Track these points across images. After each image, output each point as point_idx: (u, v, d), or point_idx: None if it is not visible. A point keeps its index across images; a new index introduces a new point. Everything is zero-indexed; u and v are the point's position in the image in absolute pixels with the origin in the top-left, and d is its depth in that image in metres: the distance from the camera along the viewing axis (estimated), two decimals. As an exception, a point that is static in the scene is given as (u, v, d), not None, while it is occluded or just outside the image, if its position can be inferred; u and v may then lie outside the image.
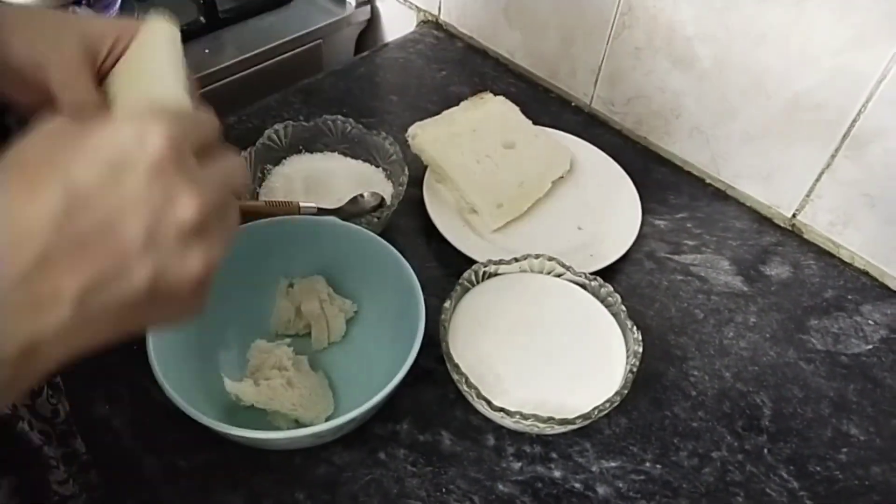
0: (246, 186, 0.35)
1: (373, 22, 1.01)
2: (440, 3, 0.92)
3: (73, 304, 0.26)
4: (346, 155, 0.70)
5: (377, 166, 0.69)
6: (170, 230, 0.27)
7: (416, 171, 0.70)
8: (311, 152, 0.69)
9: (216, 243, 0.29)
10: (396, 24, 0.99)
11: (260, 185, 0.66)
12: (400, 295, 0.53)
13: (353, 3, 0.96)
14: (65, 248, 0.26)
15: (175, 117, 0.28)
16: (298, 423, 0.50)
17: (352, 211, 0.62)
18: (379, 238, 0.55)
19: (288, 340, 0.55)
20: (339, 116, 0.69)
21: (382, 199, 0.64)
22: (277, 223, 0.56)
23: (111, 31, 0.42)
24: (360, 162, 0.70)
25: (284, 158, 0.68)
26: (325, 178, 0.67)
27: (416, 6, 0.96)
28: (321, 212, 0.60)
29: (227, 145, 0.32)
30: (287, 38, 0.90)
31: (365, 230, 0.56)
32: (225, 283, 0.52)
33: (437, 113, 0.73)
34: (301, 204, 0.59)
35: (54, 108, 0.42)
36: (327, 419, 0.50)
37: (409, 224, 0.67)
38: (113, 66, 0.42)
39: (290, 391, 0.50)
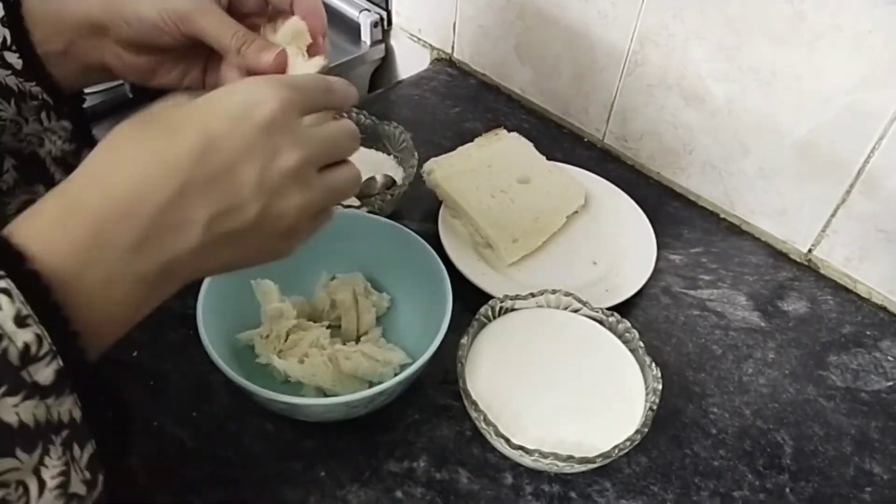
0: (354, 148, 0.40)
1: (387, 60, 1.03)
2: (453, 41, 0.94)
3: (203, 229, 0.32)
4: (360, 144, 0.73)
5: (389, 154, 0.75)
6: (275, 175, 0.34)
7: (431, 206, 0.70)
8: None
9: (312, 191, 0.36)
10: (410, 61, 1.01)
11: None
12: (431, 288, 0.55)
13: (368, 42, 0.98)
14: (199, 183, 0.32)
15: (289, 86, 0.35)
16: None
17: (366, 191, 0.68)
18: (415, 235, 0.58)
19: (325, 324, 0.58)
20: (354, 109, 0.74)
21: (394, 180, 0.69)
22: None
23: None
24: (373, 150, 0.75)
25: None
26: None
27: (430, 44, 0.98)
28: None
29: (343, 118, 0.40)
30: (303, 76, 0.91)
31: (404, 229, 0.58)
32: (270, 268, 0.54)
33: (452, 149, 0.74)
34: None
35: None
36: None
37: (424, 259, 0.68)
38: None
39: (330, 368, 0.53)
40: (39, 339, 0.28)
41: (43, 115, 0.47)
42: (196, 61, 0.49)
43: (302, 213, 0.35)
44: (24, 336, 0.27)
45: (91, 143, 0.51)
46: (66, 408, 0.29)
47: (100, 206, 0.31)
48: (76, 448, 0.29)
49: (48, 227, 0.30)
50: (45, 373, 0.28)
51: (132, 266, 0.31)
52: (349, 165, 0.39)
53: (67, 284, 0.30)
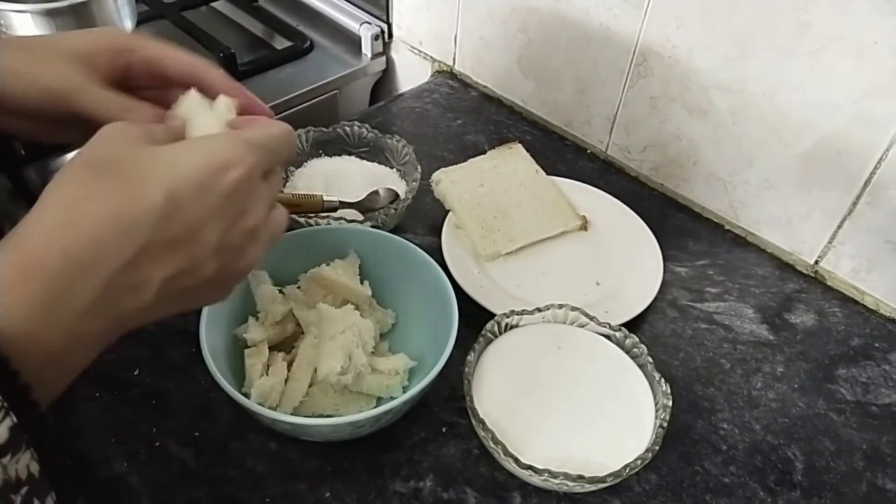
0: (293, 153, 0.42)
1: (388, 72, 1.02)
2: (455, 53, 0.94)
3: (158, 289, 0.32)
4: (362, 157, 0.75)
5: (391, 167, 0.74)
6: (236, 236, 0.35)
7: (434, 220, 0.70)
8: (330, 156, 0.74)
9: (265, 244, 0.37)
10: (411, 74, 1.00)
11: (284, 185, 0.70)
12: (436, 303, 0.55)
13: (369, 55, 0.98)
14: (159, 245, 0.32)
15: (253, 148, 0.35)
16: None
17: (369, 205, 0.67)
18: (419, 249, 0.57)
19: None
20: (356, 122, 0.74)
21: (397, 194, 0.68)
22: (330, 231, 0.60)
23: (103, 48, 0.44)
24: (375, 164, 0.74)
25: (305, 161, 0.73)
26: (343, 177, 0.72)
27: (431, 56, 0.97)
28: (342, 205, 0.65)
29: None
30: (304, 90, 0.91)
31: (408, 243, 0.58)
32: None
33: (454, 161, 0.74)
34: (324, 197, 0.64)
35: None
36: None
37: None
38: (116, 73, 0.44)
39: (330, 394, 0.52)
40: None
41: None
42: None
43: (251, 267, 0.37)
44: None
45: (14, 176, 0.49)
46: (24, 464, 0.28)
47: (58, 267, 0.29)
48: (36, 503, 0.29)
49: (3, 286, 0.29)
50: None
51: (88, 326, 0.31)
52: (279, 209, 0.40)
53: (18, 340, 0.29)
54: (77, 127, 0.42)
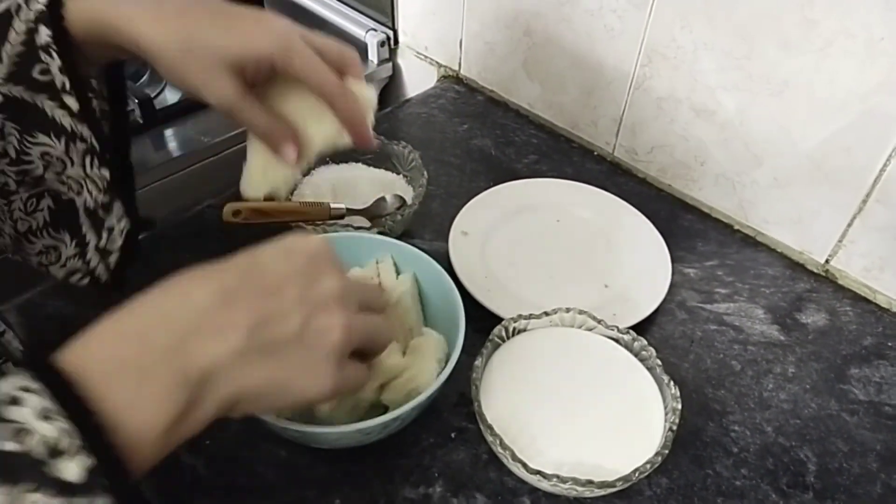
0: (383, 308, 0.45)
1: (394, 78, 1.03)
2: (460, 58, 0.94)
3: (246, 333, 0.33)
4: (369, 164, 0.75)
5: (398, 173, 0.74)
6: (317, 295, 0.37)
7: (441, 226, 0.70)
8: (337, 163, 0.74)
9: (353, 315, 0.38)
10: (417, 79, 1.01)
11: (291, 194, 0.71)
12: (443, 308, 0.55)
13: (375, 61, 0.98)
14: (243, 294, 0.35)
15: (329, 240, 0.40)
16: None
17: (376, 211, 0.68)
18: (425, 255, 0.57)
19: None
20: None
21: (404, 200, 0.68)
22: (336, 240, 0.59)
23: (254, 54, 0.46)
24: (382, 170, 0.75)
25: (312, 169, 0.73)
26: (350, 185, 0.73)
27: (437, 62, 0.98)
28: (349, 212, 0.65)
29: None
30: (311, 97, 0.91)
31: (415, 249, 0.57)
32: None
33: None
34: (331, 205, 0.64)
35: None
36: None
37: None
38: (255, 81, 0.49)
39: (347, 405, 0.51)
40: (67, 433, 0.28)
41: (87, 159, 0.49)
42: None
43: (344, 334, 0.37)
44: (49, 430, 0.27)
45: (129, 198, 0.53)
46: None
47: (144, 315, 0.33)
48: None
49: (89, 337, 0.32)
50: (72, 469, 0.27)
51: (169, 364, 0.32)
52: (382, 317, 0.43)
53: (97, 379, 0.30)
54: None
